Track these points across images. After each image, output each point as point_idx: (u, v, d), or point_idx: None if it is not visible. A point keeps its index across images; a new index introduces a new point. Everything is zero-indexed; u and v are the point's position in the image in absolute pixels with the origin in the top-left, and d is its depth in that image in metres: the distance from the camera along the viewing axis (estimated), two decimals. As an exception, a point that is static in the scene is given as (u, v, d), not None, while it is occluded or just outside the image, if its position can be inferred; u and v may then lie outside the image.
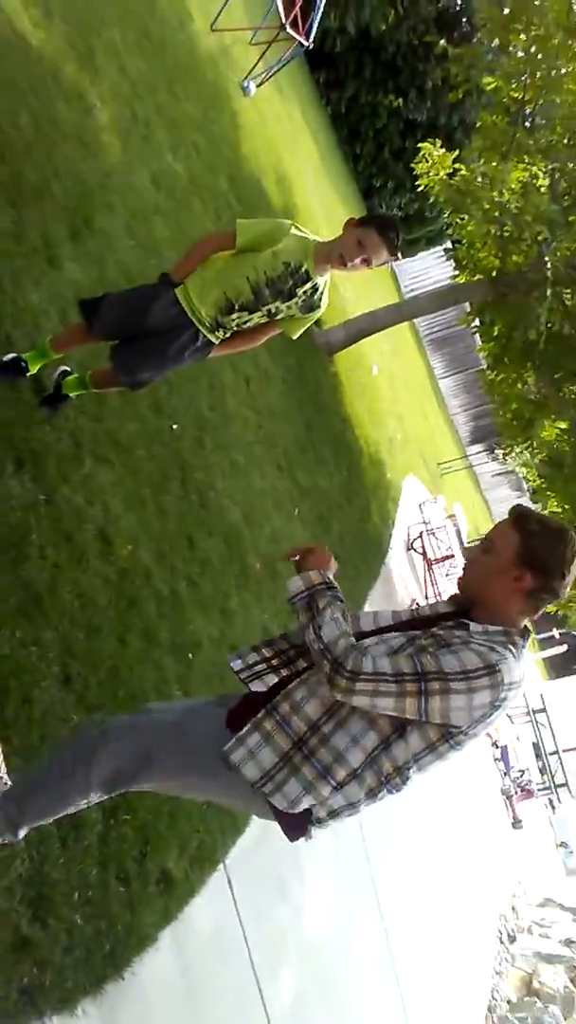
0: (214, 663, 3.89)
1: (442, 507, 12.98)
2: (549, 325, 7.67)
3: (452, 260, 11.03)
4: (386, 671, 1.95)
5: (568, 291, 7.99)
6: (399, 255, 3.03)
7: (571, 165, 8.13)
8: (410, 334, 18.69)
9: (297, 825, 2.10)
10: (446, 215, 9.86)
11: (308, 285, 3.03)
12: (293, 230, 3.01)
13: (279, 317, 3.11)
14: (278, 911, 4.07)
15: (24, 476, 3.05)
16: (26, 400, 3.26)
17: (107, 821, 2.78)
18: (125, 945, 2.67)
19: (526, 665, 2.10)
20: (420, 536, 10.73)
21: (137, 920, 2.77)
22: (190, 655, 3.80)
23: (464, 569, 2.25)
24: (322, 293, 3.11)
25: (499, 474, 21.83)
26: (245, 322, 3.09)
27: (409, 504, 11.28)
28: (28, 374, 3.23)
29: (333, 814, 2.09)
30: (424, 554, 10.66)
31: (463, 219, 8.86)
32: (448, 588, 10.21)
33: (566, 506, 11.86)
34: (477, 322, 10.53)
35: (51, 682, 2.79)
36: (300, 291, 3.03)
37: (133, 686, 3.24)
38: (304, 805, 2.06)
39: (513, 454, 13.06)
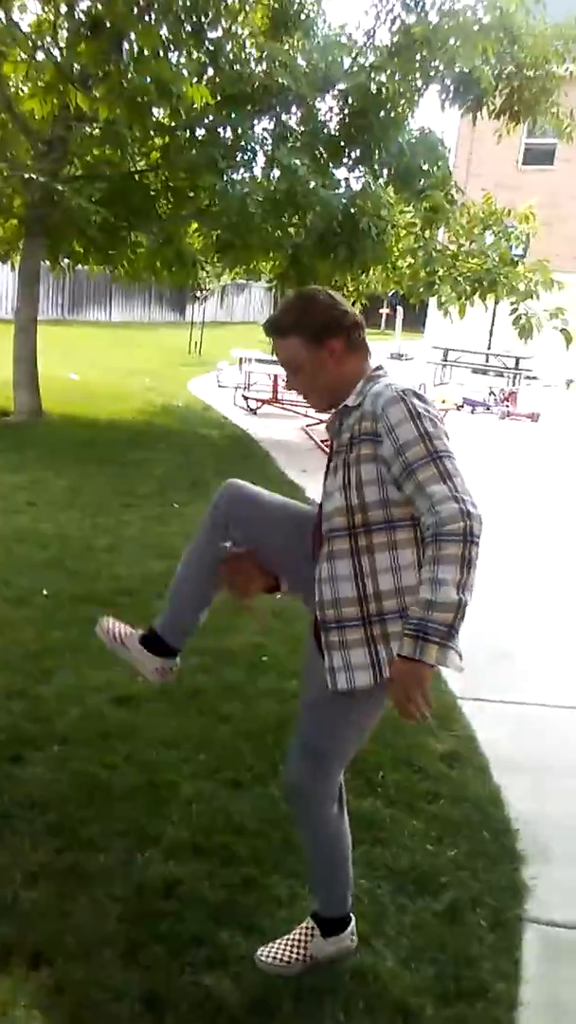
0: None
1: (231, 368, 15.61)
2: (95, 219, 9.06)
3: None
4: (442, 482, 1.97)
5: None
6: None
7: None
8: None
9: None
10: None
11: None
12: None
13: None
14: None
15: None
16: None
17: None
18: None
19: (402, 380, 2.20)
20: (245, 397, 13.18)
21: None
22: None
23: (305, 397, 2.35)
24: None
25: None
26: None
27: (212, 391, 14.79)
28: None
29: None
30: (260, 403, 13.00)
31: None
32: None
33: None
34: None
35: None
36: None
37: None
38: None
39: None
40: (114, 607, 4.86)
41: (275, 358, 2.42)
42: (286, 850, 2.86)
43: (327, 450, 2.32)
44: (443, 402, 14.39)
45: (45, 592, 5.00)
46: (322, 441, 10.91)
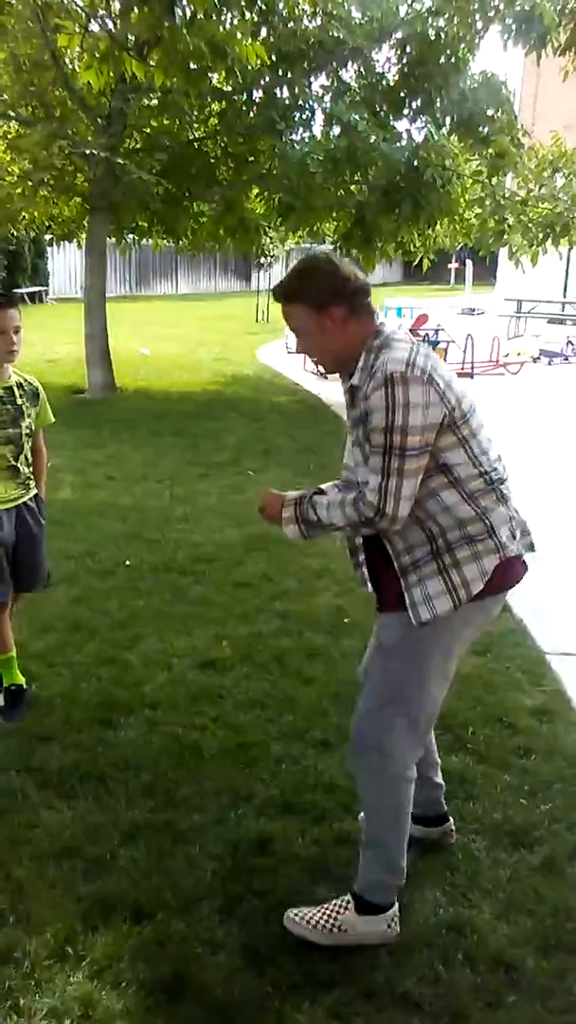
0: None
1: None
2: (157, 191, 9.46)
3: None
4: (380, 477, 2.12)
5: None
6: (17, 301, 3.38)
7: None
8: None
9: (515, 572, 2.32)
10: None
11: (7, 393, 3.35)
12: None
13: (30, 430, 3.44)
14: None
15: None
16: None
17: None
18: None
19: (402, 349, 2.19)
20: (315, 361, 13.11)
21: None
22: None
23: (316, 362, 2.44)
24: (22, 381, 3.43)
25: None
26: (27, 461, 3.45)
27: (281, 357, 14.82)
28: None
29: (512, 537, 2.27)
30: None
31: None
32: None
33: None
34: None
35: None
36: (16, 405, 3.36)
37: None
38: (488, 563, 2.21)
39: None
40: (193, 575, 4.93)
41: None
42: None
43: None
44: (519, 355, 14.05)
45: (127, 563, 5.09)
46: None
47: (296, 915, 2.40)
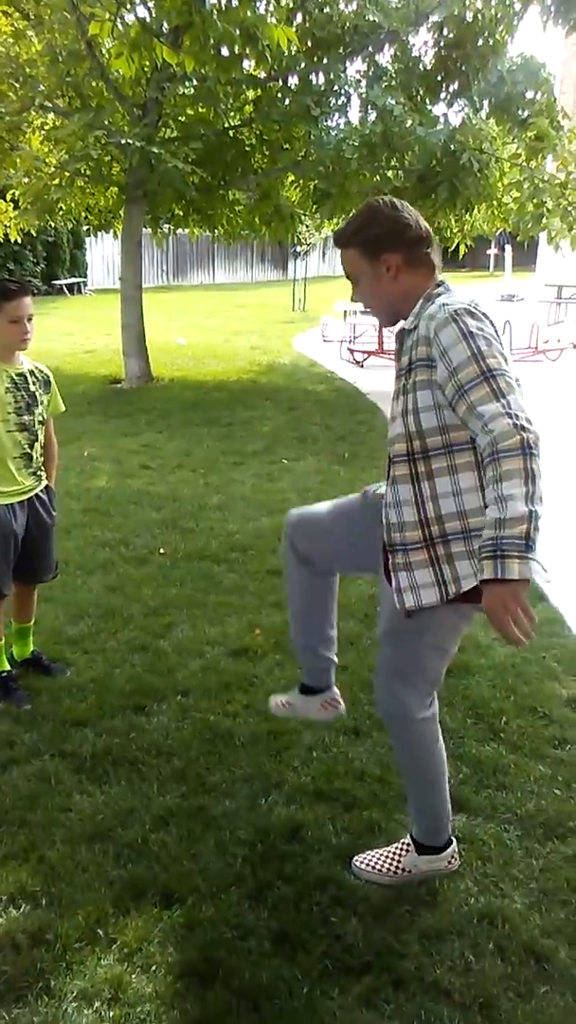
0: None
1: (335, 322, 15.26)
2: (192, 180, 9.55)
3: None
4: (494, 401, 1.90)
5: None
6: (31, 290, 3.32)
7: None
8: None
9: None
10: None
11: (20, 380, 3.36)
12: None
13: (43, 418, 3.46)
14: None
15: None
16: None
17: None
18: None
19: (461, 295, 2.14)
20: (351, 349, 13.09)
21: None
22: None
23: (369, 309, 2.31)
24: (34, 369, 3.44)
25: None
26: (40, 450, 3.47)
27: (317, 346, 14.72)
28: (12, 675, 3.58)
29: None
30: (366, 355, 12.62)
31: None
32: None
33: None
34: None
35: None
36: (30, 392, 3.38)
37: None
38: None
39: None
40: (227, 563, 4.94)
41: None
42: (408, 795, 2.84)
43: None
44: (559, 341, 13.84)
45: (162, 551, 5.11)
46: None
47: (361, 861, 2.53)
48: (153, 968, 2.20)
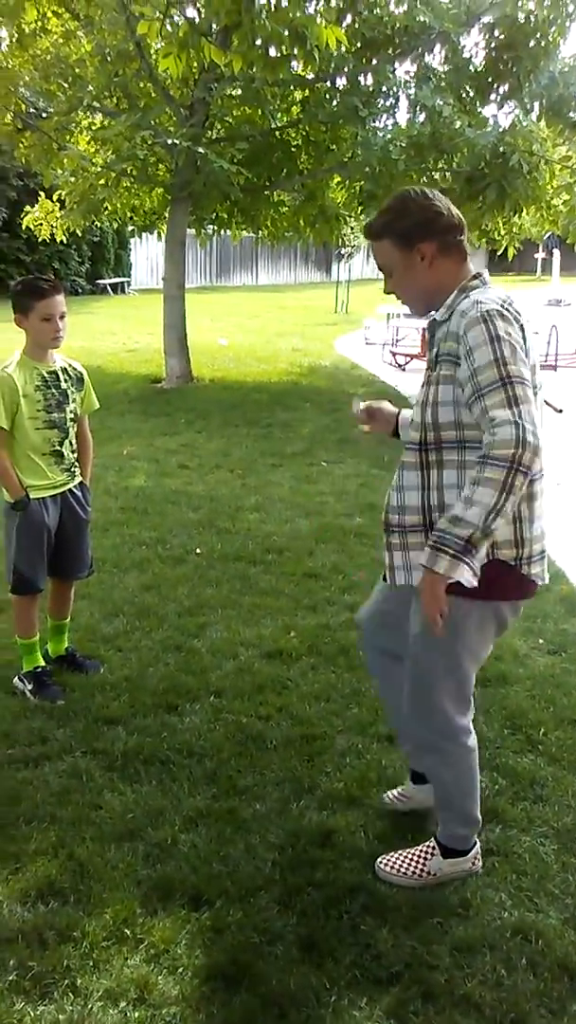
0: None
1: (378, 325, 15.25)
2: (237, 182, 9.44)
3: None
4: (506, 408, 1.92)
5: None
6: (63, 288, 3.33)
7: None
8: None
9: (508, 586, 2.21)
10: None
11: (52, 377, 3.36)
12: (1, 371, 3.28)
13: (75, 415, 3.46)
14: None
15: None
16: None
17: None
18: None
19: (496, 291, 2.13)
20: (393, 353, 13.07)
21: None
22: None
23: (402, 300, 2.31)
24: (67, 366, 3.44)
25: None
26: (72, 447, 3.48)
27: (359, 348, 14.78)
28: (47, 671, 3.58)
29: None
30: (409, 358, 12.60)
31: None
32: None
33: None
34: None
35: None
36: (61, 390, 3.38)
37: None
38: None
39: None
40: (263, 564, 4.91)
41: None
42: (442, 804, 2.79)
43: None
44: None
45: (198, 551, 5.11)
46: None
47: (385, 864, 2.50)
48: (179, 970, 2.18)
